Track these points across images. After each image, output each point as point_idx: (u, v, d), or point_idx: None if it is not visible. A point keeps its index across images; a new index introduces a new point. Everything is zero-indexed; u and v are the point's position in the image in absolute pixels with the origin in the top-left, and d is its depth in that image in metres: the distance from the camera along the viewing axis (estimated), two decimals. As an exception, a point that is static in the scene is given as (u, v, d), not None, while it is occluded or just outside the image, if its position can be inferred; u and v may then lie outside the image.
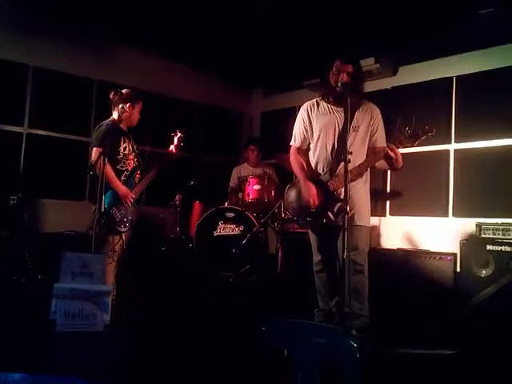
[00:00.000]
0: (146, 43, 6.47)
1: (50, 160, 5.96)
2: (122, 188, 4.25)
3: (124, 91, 4.40)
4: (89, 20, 5.90)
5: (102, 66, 6.45)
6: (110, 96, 4.38)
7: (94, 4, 5.48)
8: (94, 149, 4.19)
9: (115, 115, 4.38)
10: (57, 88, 6.08)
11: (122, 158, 4.35)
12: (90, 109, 6.37)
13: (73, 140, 6.21)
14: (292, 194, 3.82)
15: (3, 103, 5.69)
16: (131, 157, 4.45)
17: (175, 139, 4.75)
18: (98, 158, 3.91)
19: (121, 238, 4.32)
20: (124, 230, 4.28)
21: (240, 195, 6.11)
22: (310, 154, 3.81)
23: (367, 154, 3.66)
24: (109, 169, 4.10)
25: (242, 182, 6.07)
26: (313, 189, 3.60)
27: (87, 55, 6.31)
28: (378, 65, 5.93)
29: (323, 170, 3.68)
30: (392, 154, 3.46)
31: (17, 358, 2.58)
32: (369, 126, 3.67)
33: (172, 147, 4.72)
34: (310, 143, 3.82)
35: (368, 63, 5.88)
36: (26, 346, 2.82)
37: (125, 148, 4.40)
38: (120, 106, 4.32)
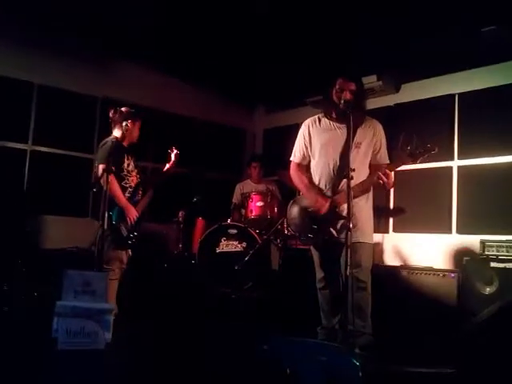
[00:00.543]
0: (148, 60, 6.52)
1: (54, 177, 5.98)
2: (127, 204, 4.27)
3: (123, 109, 4.48)
4: (92, 37, 5.96)
5: (105, 82, 6.49)
6: (110, 114, 4.47)
7: (97, 21, 5.54)
8: (100, 166, 4.21)
9: (117, 133, 4.44)
10: (61, 105, 6.12)
11: (125, 175, 4.39)
12: (94, 126, 6.40)
13: (76, 157, 6.24)
14: (294, 211, 3.82)
15: (8, 120, 5.73)
16: (134, 173, 4.50)
17: (172, 156, 4.82)
18: (103, 174, 3.94)
19: (127, 254, 4.34)
20: (132, 245, 4.31)
21: (243, 212, 6.11)
22: (312, 170, 3.82)
23: (370, 171, 3.65)
24: (116, 186, 4.14)
25: (245, 198, 6.07)
26: (318, 197, 3.60)
27: (91, 72, 6.36)
28: (380, 82, 5.95)
29: (325, 187, 3.68)
30: (384, 179, 3.46)
31: (19, 377, 2.57)
32: (371, 142, 3.67)
33: (167, 165, 4.82)
34: (310, 160, 3.83)
35: (370, 80, 5.90)
36: (28, 364, 2.81)
37: (128, 165, 4.45)
38: (123, 123, 4.38)
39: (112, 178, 4.00)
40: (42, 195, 5.86)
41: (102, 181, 3.98)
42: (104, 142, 4.40)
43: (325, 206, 3.55)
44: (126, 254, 4.37)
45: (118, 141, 4.39)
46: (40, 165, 5.98)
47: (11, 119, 5.78)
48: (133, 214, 4.30)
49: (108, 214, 4.03)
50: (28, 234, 5.46)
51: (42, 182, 5.91)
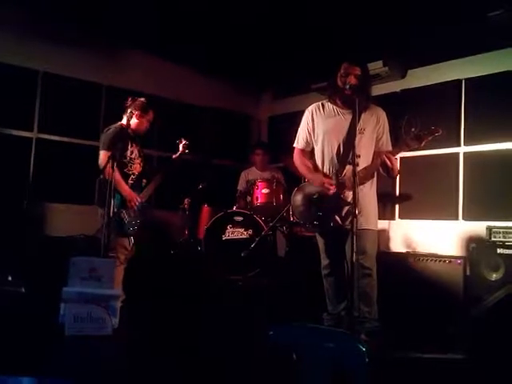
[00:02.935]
0: (153, 47, 6.50)
1: (59, 164, 5.99)
2: (127, 191, 4.28)
3: (139, 99, 4.50)
4: (99, 25, 5.94)
5: (111, 70, 6.48)
6: (127, 102, 4.48)
7: (104, 9, 5.51)
8: (102, 152, 4.22)
9: (124, 120, 4.45)
10: (66, 93, 6.11)
11: (128, 162, 4.40)
12: (99, 113, 6.39)
13: (82, 144, 6.23)
14: (298, 198, 3.80)
15: (13, 108, 5.73)
16: (138, 161, 4.51)
17: (180, 146, 4.81)
18: (107, 162, 3.94)
19: (129, 240, 4.35)
20: (132, 232, 4.31)
21: (248, 199, 6.10)
22: (316, 156, 3.80)
23: (373, 158, 3.64)
24: (117, 172, 4.13)
25: (251, 185, 6.07)
26: (324, 177, 3.59)
27: (96, 60, 6.34)
28: (386, 68, 5.91)
29: (329, 173, 3.67)
30: (388, 162, 3.43)
31: (25, 362, 2.59)
32: (374, 128, 3.66)
33: (174, 155, 4.83)
34: (313, 146, 3.81)
35: (376, 66, 5.86)
36: (35, 350, 2.83)
37: (131, 152, 4.45)
38: (129, 111, 4.37)
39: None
40: (47, 183, 5.88)
41: (106, 168, 3.98)
42: (107, 128, 4.42)
43: (333, 187, 3.53)
44: (129, 240, 4.38)
45: (122, 127, 4.39)
46: (45, 152, 5.99)
47: (16, 107, 5.77)
48: (134, 200, 4.30)
49: (105, 200, 4.06)
50: (33, 222, 5.48)
51: (48, 170, 5.92)
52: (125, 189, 4.28)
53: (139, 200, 4.36)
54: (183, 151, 4.82)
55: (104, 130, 4.46)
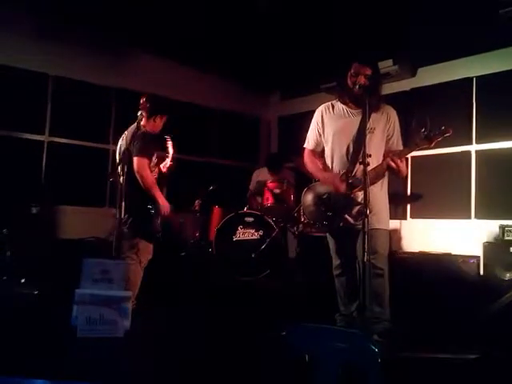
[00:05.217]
0: (164, 50, 6.53)
1: (71, 167, 6.03)
2: (163, 201, 4.17)
3: (153, 100, 4.33)
4: (107, 28, 5.97)
5: (120, 73, 6.52)
6: (141, 101, 4.28)
7: (113, 12, 5.54)
8: (138, 157, 4.03)
9: (143, 121, 4.20)
10: (77, 96, 6.15)
11: (153, 167, 4.27)
12: (110, 116, 6.44)
13: (93, 147, 6.28)
14: (309, 198, 3.79)
15: (25, 112, 5.78)
16: (157, 167, 4.40)
17: (169, 148, 4.58)
18: (147, 168, 3.91)
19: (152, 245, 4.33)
20: (158, 239, 4.28)
21: (259, 200, 6.10)
22: (326, 156, 3.79)
23: (384, 157, 3.62)
24: (153, 178, 4.08)
25: (261, 186, 6.06)
26: (333, 177, 3.57)
27: (105, 63, 6.38)
28: (396, 66, 5.89)
29: (339, 173, 3.65)
30: (394, 165, 3.41)
31: (39, 364, 2.60)
32: (385, 128, 3.63)
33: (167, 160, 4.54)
34: (323, 146, 3.80)
35: (386, 65, 5.84)
36: (48, 352, 2.84)
37: (155, 157, 4.32)
38: (138, 113, 4.27)
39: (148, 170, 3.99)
40: (59, 186, 5.92)
41: (143, 174, 3.90)
42: (142, 132, 4.13)
43: (343, 185, 3.51)
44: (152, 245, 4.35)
45: (147, 132, 4.21)
46: (57, 156, 6.03)
47: (28, 111, 5.83)
48: (167, 209, 4.21)
49: (146, 206, 4.03)
50: (45, 225, 5.52)
51: (59, 173, 5.96)
52: (162, 198, 4.18)
53: (171, 208, 4.27)
54: (173, 151, 4.57)
55: (135, 134, 4.09)
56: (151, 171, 4.16)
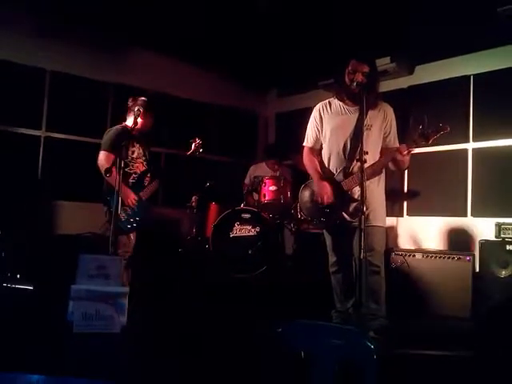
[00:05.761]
0: (160, 45, 6.50)
1: (68, 162, 6.01)
2: (123, 189, 4.26)
3: (141, 99, 4.53)
4: (105, 23, 5.94)
5: (118, 69, 6.50)
6: (128, 102, 4.53)
7: (110, 8, 5.52)
8: (102, 152, 4.37)
9: (129, 121, 4.49)
10: (74, 91, 6.13)
11: (129, 162, 4.42)
12: (107, 111, 6.42)
13: (90, 143, 6.25)
14: (306, 195, 3.81)
15: (21, 107, 5.76)
16: (140, 160, 4.56)
17: (193, 145, 4.81)
18: (111, 163, 3.96)
19: (128, 238, 4.37)
20: (129, 230, 4.33)
21: (256, 196, 6.10)
22: (323, 153, 3.80)
23: (381, 154, 3.63)
24: (113, 171, 4.16)
25: (258, 182, 6.06)
26: (326, 187, 3.59)
27: (103, 58, 6.36)
28: (394, 64, 5.88)
29: (336, 170, 3.67)
30: (400, 156, 3.43)
31: (34, 360, 2.60)
32: (382, 125, 3.64)
33: (188, 153, 4.84)
34: (322, 143, 3.81)
35: (384, 62, 5.83)
36: (44, 347, 2.84)
37: (133, 152, 4.49)
38: (135, 109, 4.38)
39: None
40: (55, 181, 5.90)
41: (107, 168, 3.99)
42: (108, 130, 4.53)
43: (329, 200, 3.56)
44: (129, 238, 4.40)
45: (123, 128, 4.46)
46: (53, 151, 6.02)
47: (25, 106, 5.81)
48: (130, 198, 4.34)
49: (106, 198, 4.27)
50: (41, 220, 5.51)
51: (56, 168, 5.94)
52: (120, 187, 4.29)
53: (136, 198, 4.39)
54: (195, 150, 4.82)
55: (106, 132, 4.54)
56: (127, 165, 4.34)
